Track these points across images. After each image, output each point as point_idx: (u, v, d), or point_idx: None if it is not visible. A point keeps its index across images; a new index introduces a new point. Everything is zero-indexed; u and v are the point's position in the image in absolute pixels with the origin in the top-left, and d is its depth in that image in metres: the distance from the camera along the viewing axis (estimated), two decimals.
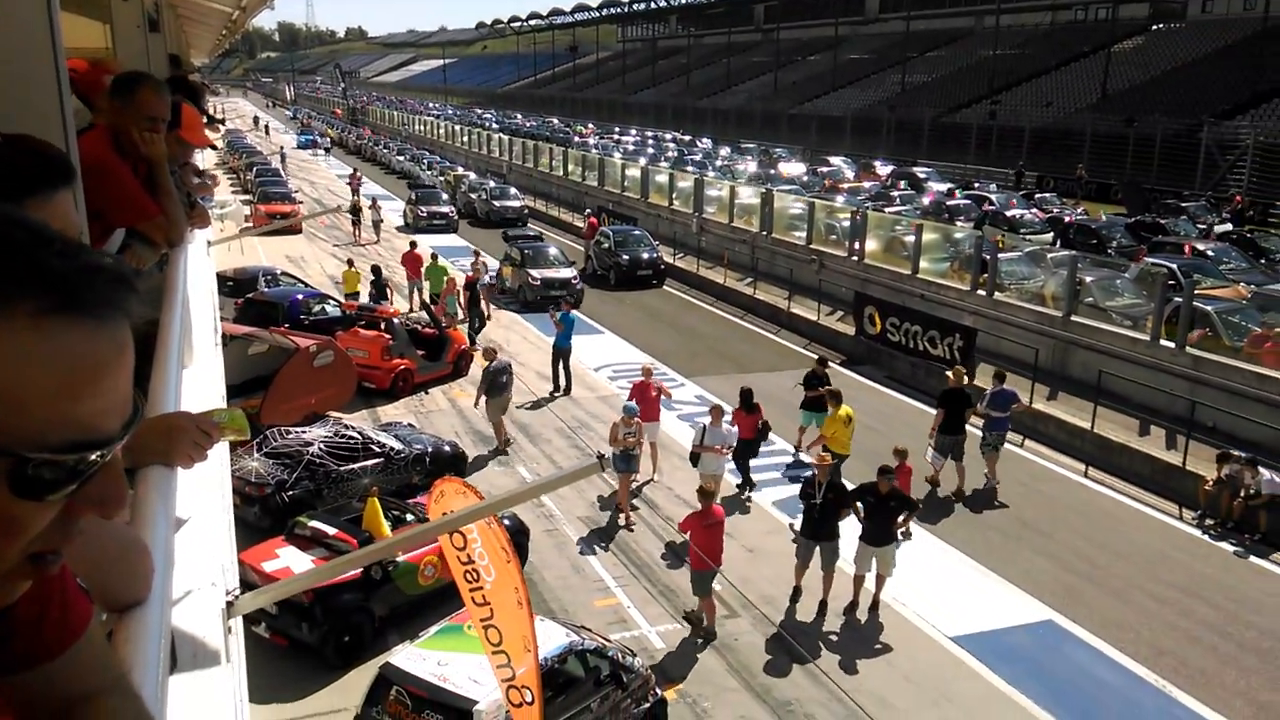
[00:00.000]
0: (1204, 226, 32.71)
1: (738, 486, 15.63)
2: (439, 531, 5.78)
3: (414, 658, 8.13)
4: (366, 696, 8.14)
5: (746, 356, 22.49)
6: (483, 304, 24.57)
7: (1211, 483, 14.90)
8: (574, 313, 21.78)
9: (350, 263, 27.60)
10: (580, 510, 14.97)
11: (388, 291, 25.85)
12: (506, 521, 12.71)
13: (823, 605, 12.24)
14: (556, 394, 20.21)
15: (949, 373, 17.31)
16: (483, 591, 7.36)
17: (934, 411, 16.34)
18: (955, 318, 21.95)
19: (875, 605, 12.30)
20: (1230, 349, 18.10)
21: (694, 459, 14.56)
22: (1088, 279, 21.38)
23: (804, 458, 16.29)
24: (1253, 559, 13.91)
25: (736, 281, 29.44)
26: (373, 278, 26.01)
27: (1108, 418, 17.80)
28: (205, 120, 5.85)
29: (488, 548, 7.42)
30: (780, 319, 26.33)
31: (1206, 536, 14.64)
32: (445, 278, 25.78)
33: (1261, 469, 14.45)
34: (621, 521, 14.51)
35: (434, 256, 26.75)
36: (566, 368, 20.50)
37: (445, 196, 42.74)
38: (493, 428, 17.20)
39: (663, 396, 16.41)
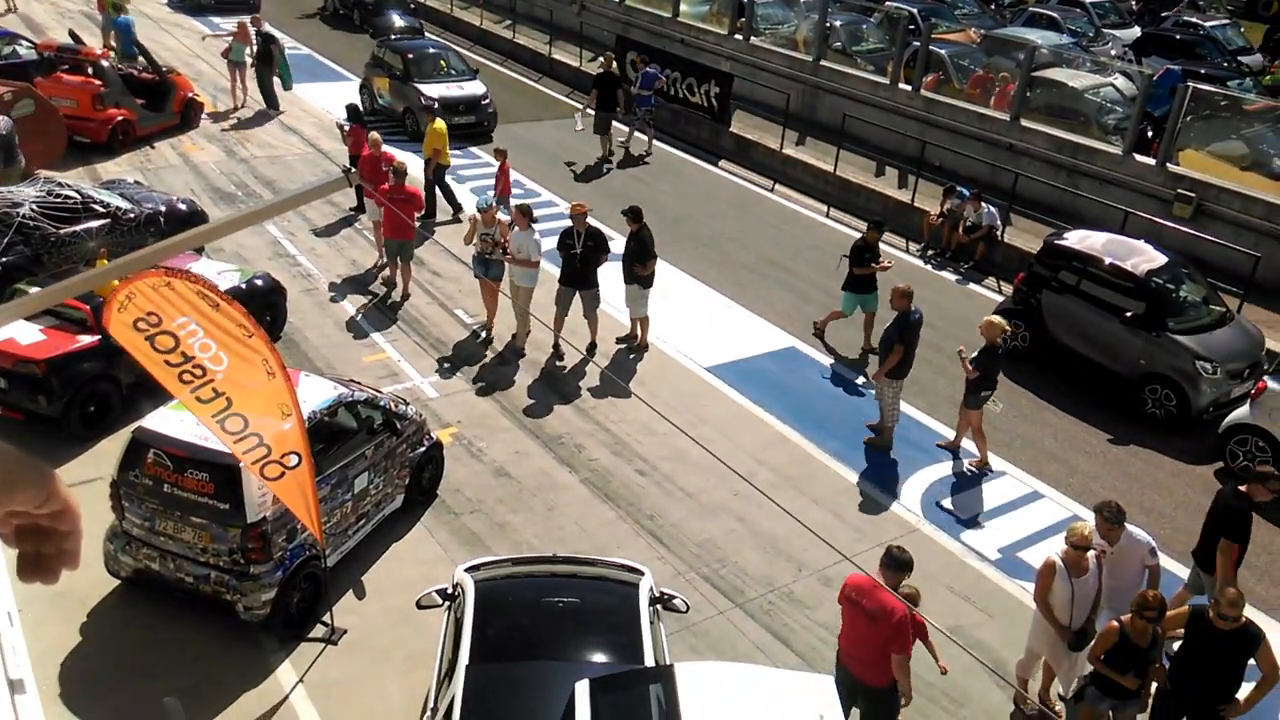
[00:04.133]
0: None
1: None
2: (159, 258, 5.29)
3: (170, 419, 7.80)
4: (121, 462, 7.79)
5: (508, 105, 21.68)
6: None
7: (935, 216, 16.35)
8: (127, 16, 19.98)
9: None
10: (340, 269, 14.47)
11: None
12: (259, 281, 12.17)
13: (590, 347, 12.74)
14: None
15: (601, 58, 20.66)
16: (212, 385, 6.97)
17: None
18: (714, 64, 22.02)
19: (641, 346, 12.94)
20: (958, 91, 19.40)
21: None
22: (837, 23, 21.88)
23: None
24: (970, 285, 15.62)
25: (495, 24, 27.88)
26: None
27: (849, 160, 18.87)
28: None
29: (215, 335, 6.99)
30: (541, 65, 25.41)
31: (929, 266, 16.23)
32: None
33: (982, 202, 15.96)
34: (481, 334, 12.98)
35: None
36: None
37: None
38: None
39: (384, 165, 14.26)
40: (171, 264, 11.90)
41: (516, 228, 12.27)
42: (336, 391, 8.61)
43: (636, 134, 20.03)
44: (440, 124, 16.25)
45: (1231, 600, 6.61)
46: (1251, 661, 6.77)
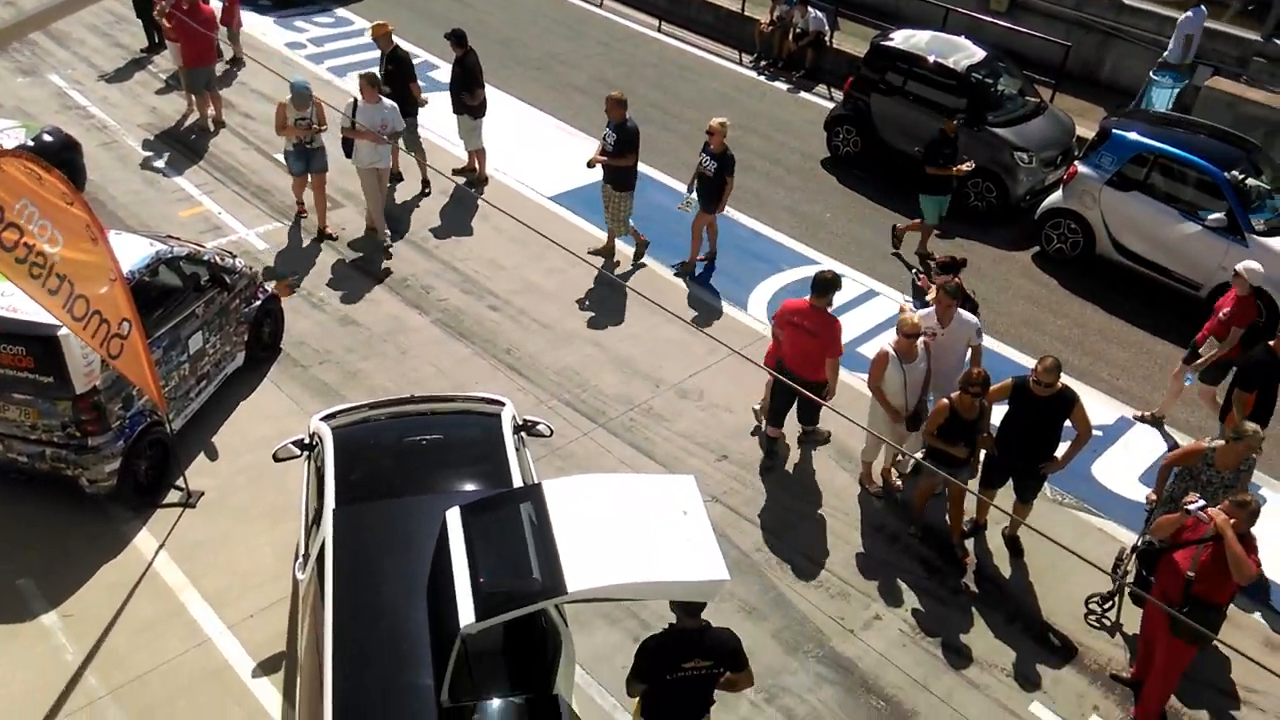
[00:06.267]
0: None
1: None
2: None
3: None
4: None
5: None
6: None
7: (766, 25, 16.18)
8: None
9: None
10: (140, 118, 13.28)
11: None
12: (49, 136, 11.09)
13: (424, 184, 12.28)
14: None
15: None
16: (55, 271, 6.48)
17: None
18: None
19: (480, 179, 12.55)
20: None
21: (347, 146, 10.84)
22: None
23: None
24: (801, 95, 15.70)
25: None
26: None
27: None
28: None
29: (49, 213, 6.40)
30: None
31: (762, 78, 16.20)
32: None
33: (810, 8, 15.85)
34: (296, 220, 11.50)
35: None
36: None
37: None
38: None
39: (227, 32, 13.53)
40: None
41: (362, 99, 10.58)
42: (154, 248, 8.02)
43: None
44: None
45: (1048, 368, 7.20)
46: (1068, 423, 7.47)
